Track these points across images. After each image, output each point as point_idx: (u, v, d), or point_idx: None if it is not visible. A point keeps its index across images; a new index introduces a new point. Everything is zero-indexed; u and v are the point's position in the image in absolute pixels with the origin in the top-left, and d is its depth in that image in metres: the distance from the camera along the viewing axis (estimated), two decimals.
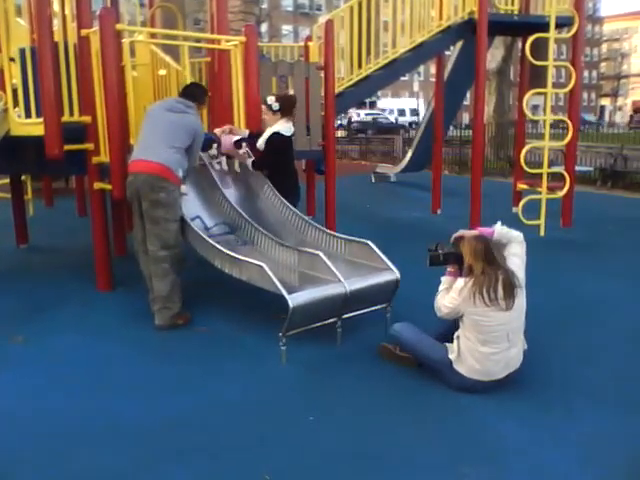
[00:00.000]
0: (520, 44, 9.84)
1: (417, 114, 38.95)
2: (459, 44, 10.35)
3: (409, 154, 13.14)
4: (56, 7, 5.55)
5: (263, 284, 4.11)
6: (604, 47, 76.56)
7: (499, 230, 3.78)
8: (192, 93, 4.84)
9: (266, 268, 4.04)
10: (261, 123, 5.74)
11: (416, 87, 47.41)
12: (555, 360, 4.01)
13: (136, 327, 4.64)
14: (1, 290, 5.58)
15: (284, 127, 5.31)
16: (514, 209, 8.74)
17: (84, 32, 5.02)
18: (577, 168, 9.83)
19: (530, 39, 7.57)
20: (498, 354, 3.45)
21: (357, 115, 36.53)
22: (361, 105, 37.39)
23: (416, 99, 44.68)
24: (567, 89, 8.06)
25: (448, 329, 3.68)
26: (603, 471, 2.80)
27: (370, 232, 5.42)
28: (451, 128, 15.04)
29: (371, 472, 2.81)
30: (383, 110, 42.18)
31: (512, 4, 8.75)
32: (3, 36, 4.98)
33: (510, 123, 15.52)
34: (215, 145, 5.23)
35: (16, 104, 5.08)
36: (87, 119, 5.18)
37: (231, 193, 5.40)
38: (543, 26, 7.73)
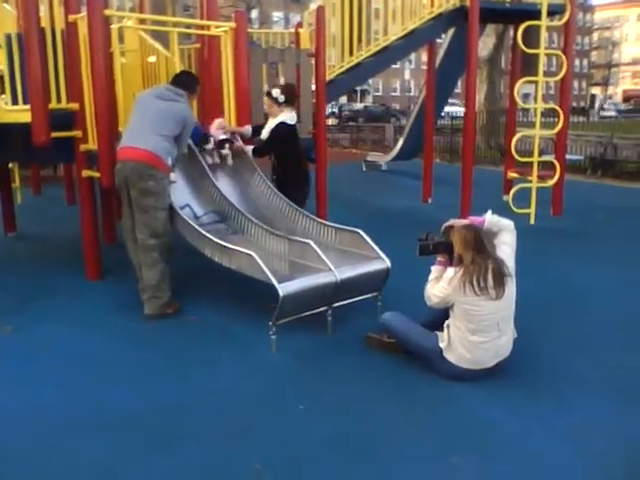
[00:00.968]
0: (512, 32, 9.81)
1: None
2: (451, 32, 10.32)
3: (400, 142, 13.12)
4: None
5: (253, 273, 4.09)
6: (595, 35, 76.62)
7: (490, 219, 3.77)
8: (183, 81, 4.78)
9: (256, 257, 4.02)
10: (255, 115, 5.72)
11: (407, 75, 47.33)
12: (545, 348, 4.03)
13: (125, 316, 4.61)
14: None
15: (289, 116, 5.32)
16: (505, 197, 8.75)
17: (72, 18, 4.95)
18: (567, 157, 9.86)
19: (522, 27, 7.55)
20: (488, 343, 3.45)
21: None
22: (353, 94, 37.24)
23: None
24: (558, 77, 8.06)
25: (438, 317, 3.68)
26: (593, 459, 2.81)
27: (361, 221, 5.41)
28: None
29: (360, 461, 2.81)
30: None
31: None
32: None
33: (501, 111, 15.51)
34: (211, 139, 5.25)
35: (2, 91, 5.01)
36: (75, 106, 5.12)
37: (221, 182, 5.36)
38: (535, 14, 7.72)
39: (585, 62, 74.37)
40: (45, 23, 5.10)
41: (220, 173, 5.45)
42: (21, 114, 4.89)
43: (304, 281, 4.03)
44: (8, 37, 4.92)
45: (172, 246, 4.65)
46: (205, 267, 4.80)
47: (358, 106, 38.96)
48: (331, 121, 28.30)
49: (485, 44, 15.72)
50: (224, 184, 5.36)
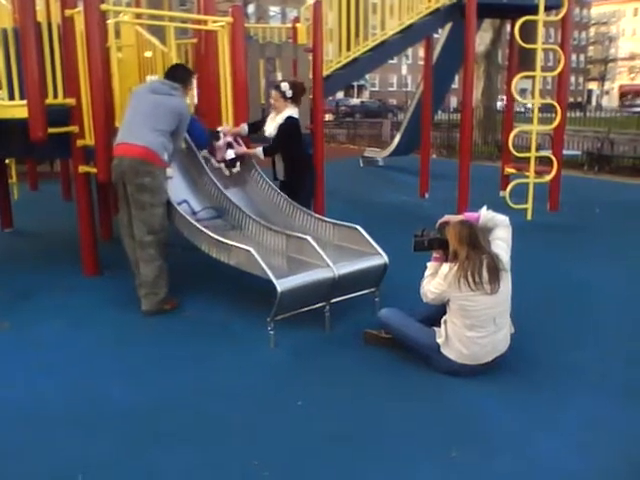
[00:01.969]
0: (509, 27, 9.80)
1: None
2: (448, 27, 10.31)
3: (397, 138, 13.11)
4: None
5: (251, 269, 4.09)
6: (592, 30, 76.53)
7: (485, 214, 3.78)
8: (178, 75, 4.74)
9: (254, 253, 4.02)
10: (252, 110, 5.70)
11: (404, 70, 47.27)
12: (543, 343, 4.03)
13: (122, 312, 4.61)
14: None
15: (294, 112, 5.32)
16: (501, 193, 8.75)
17: (68, 12, 4.93)
18: (564, 152, 9.86)
19: (519, 22, 7.54)
20: (485, 338, 3.46)
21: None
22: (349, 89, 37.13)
23: None
24: (556, 72, 8.05)
25: (435, 313, 3.68)
26: (594, 454, 2.81)
27: (358, 216, 5.42)
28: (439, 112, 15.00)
29: (359, 457, 2.82)
30: None
31: None
32: None
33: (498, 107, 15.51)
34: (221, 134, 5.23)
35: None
36: (71, 101, 5.10)
37: (218, 177, 5.34)
38: (532, 9, 7.70)
39: (582, 57, 74.33)
40: (41, 18, 5.08)
41: (217, 168, 5.43)
42: (18, 109, 4.87)
43: (302, 277, 4.03)
44: (4, 32, 4.90)
45: (167, 242, 4.62)
46: (203, 263, 4.79)
47: (355, 101, 38.93)
48: (328, 117, 28.28)
49: (482, 39, 15.71)
50: (221, 180, 5.35)
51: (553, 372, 3.63)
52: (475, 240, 3.45)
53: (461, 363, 3.50)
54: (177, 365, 3.77)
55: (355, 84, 48.41)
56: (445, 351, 3.53)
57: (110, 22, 5.39)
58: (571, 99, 53.65)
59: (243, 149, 5.37)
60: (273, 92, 5.37)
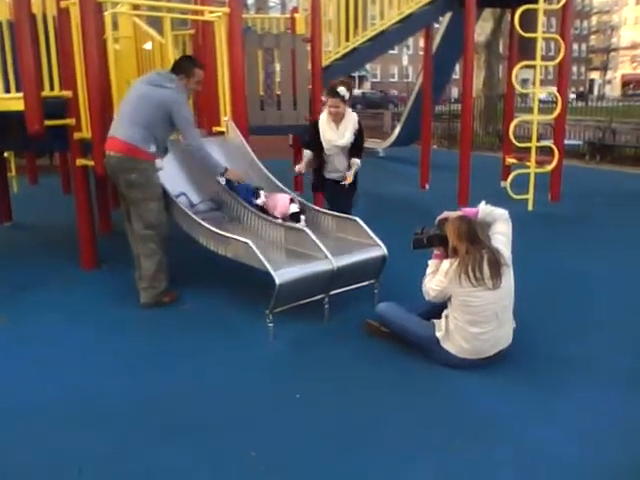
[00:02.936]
0: (509, 16, 9.73)
1: None
2: (448, 16, 10.25)
3: (397, 128, 13.07)
4: None
5: (250, 261, 4.07)
6: (594, 19, 76.13)
7: (483, 209, 3.75)
8: (178, 65, 4.63)
9: (252, 245, 3.99)
10: (250, 102, 5.62)
11: (405, 61, 47.09)
12: (544, 335, 4.00)
13: (120, 305, 4.59)
14: None
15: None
16: (502, 183, 8.72)
17: (63, 4, 4.89)
18: (566, 142, 9.82)
19: (519, 11, 7.48)
20: (487, 334, 3.43)
21: None
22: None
23: None
24: (556, 61, 8.00)
25: (435, 306, 3.66)
26: (594, 445, 2.79)
27: (358, 207, 5.37)
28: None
29: (357, 449, 2.80)
30: None
31: None
32: None
33: (499, 97, 15.44)
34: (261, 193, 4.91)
35: None
36: (68, 94, 5.06)
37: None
38: None
39: (584, 46, 73.99)
40: (37, 10, 5.04)
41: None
42: (14, 102, 4.84)
43: (300, 269, 4.01)
44: None
45: (168, 236, 4.57)
46: (201, 255, 4.77)
47: (356, 92, 38.76)
48: None
49: (483, 29, 15.63)
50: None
51: (553, 363, 3.61)
52: (474, 235, 3.42)
53: (462, 357, 3.48)
54: (175, 359, 3.75)
55: (356, 75, 48.23)
56: (445, 345, 3.51)
57: (107, 13, 5.35)
58: (573, 89, 53.54)
59: (350, 175, 5.10)
60: (331, 100, 5.01)
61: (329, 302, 4.19)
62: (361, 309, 4.29)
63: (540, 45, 7.54)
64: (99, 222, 6.53)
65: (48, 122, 4.87)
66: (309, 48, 7.18)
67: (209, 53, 5.75)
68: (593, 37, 76.07)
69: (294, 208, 4.73)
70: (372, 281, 4.47)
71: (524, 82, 36.99)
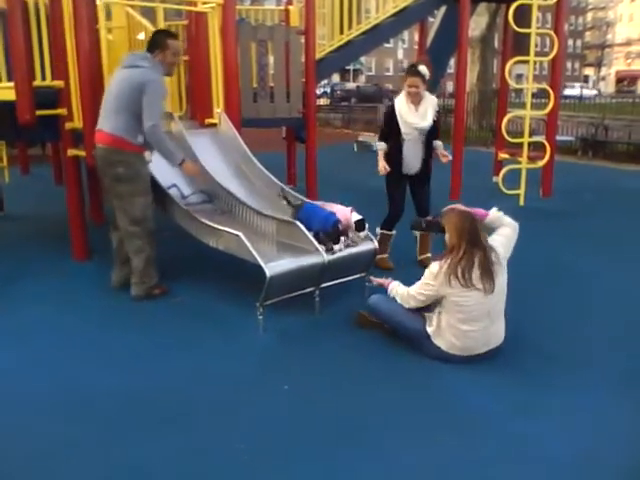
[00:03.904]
0: (504, 11, 9.73)
1: None
2: (442, 10, 10.23)
3: None
4: None
5: (241, 253, 4.07)
6: (589, 16, 76.21)
7: (494, 213, 3.74)
8: (150, 42, 4.39)
9: (243, 237, 4.00)
10: (244, 93, 5.59)
11: (400, 54, 47.03)
12: (533, 330, 4.02)
13: (112, 297, 4.58)
14: None
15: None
16: (494, 178, 8.74)
17: None
18: (558, 138, 9.84)
19: (513, 6, 7.48)
20: (478, 331, 3.43)
21: None
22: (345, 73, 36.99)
23: None
24: (549, 57, 8.01)
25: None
26: (580, 441, 2.82)
27: (352, 201, 5.36)
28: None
29: (344, 442, 2.81)
30: None
31: None
32: None
33: (493, 92, 15.44)
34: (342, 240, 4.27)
35: None
36: (60, 83, 5.04)
37: (209, 161, 5.30)
38: None
39: (579, 42, 74.08)
40: None
41: (208, 152, 5.39)
42: (5, 92, 4.82)
43: (291, 262, 4.01)
44: None
45: (154, 230, 4.47)
46: (192, 248, 4.77)
47: (350, 86, 38.72)
48: (323, 101, 28.16)
49: (478, 24, 15.61)
50: (212, 163, 5.31)
51: (540, 359, 3.63)
52: (475, 236, 3.38)
53: (452, 353, 3.49)
54: (165, 351, 3.75)
55: (351, 68, 48.17)
56: (436, 341, 3.51)
57: (100, 3, 5.31)
58: (581, 84, 53.43)
59: (446, 153, 5.01)
60: (411, 79, 4.73)
61: (320, 295, 4.21)
62: (352, 302, 4.30)
63: (534, 40, 7.54)
64: (91, 213, 6.52)
65: (39, 112, 4.85)
66: (303, 40, 7.17)
67: (202, 44, 5.72)
68: (588, 33, 76.17)
69: (356, 216, 4.39)
70: (363, 274, 4.48)
71: (519, 77, 37.03)
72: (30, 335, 3.98)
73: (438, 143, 5.02)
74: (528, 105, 7.80)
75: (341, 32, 8.19)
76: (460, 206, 3.70)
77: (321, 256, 4.07)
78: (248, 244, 3.94)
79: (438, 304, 3.53)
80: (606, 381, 3.37)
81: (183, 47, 6.48)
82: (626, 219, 7.20)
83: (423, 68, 4.72)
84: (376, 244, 4.40)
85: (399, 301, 3.66)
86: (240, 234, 4.03)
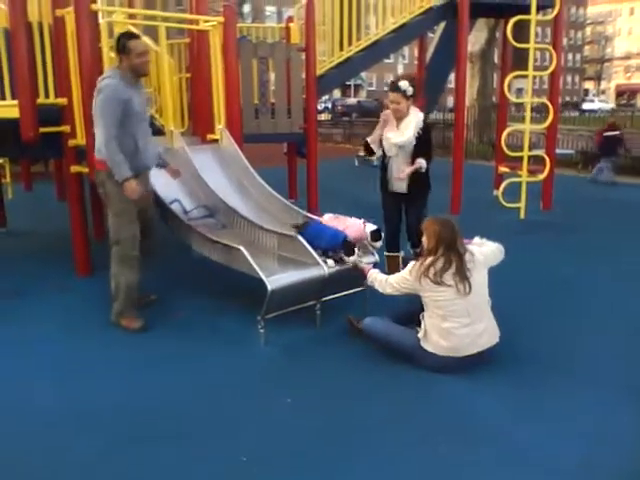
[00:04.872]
0: (503, 26, 9.82)
1: None
2: (441, 26, 10.33)
3: None
4: None
5: (242, 267, 4.10)
6: (588, 30, 76.68)
7: (477, 240, 3.87)
8: (115, 50, 4.19)
9: (244, 251, 4.02)
10: (245, 110, 5.64)
11: (400, 69, 47.28)
12: (532, 339, 4.04)
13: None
14: None
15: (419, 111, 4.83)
16: (495, 192, 8.77)
17: (59, 12, 4.93)
18: (558, 151, 9.88)
19: (511, 21, 7.55)
20: (460, 329, 3.48)
21: None
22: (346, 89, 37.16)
23: None
24: (548, 72, 8.07)
25: (417, 309, 3.69)
26: (579, 446, 2.82)
27: (353, 215, 5.40)
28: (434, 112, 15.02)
29: (347, 454, 2.82)
30: None
31: None
32: None
33: (493, 106, 15.53)
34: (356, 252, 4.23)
35: None
36: (63, 101, 5.10)
37: (211, 176, 5.35)
38: (525, 8, 7.73)
39: (578, 57, 74.46)
40: (33, 18, 5.08)
41: (210, 168, 5.44)
42: (9, 109, 4.87)
43: (292, 275, 4.04)
44: None
45: (129, 254, 4.20)
46: (194, 262, 4.79)
47: (351, 101, 38.92)
48: (324, 116, 28.31)
49: (477, 39, 15.74)
50: (214, 178, 5.35)
51: (540, 367, 3.65)
52: (452, 241, 3.51)
53: (443, 355, 3.52)
54: (167, 365, 3.76)
55: (352, 83, 48.43)
56: (425, 345, 3.57)
57: (102, 22, 5.39)
58: (567, 98, 53.76)
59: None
60: (391, 94, 4.68)
61: (321, 308, 4.23)
62: (353, 315, 4.31)
63: (533, 55, 7.61)
64: (93, 228, 6.55)
65: (43, 129, 4.91)
66: (304, 57, 7.25)
67: (204, 62, 5.79)
68: (587, 47, 76.60)
69: (371, 227, 4.33)
70: (364, 287, 4.49)
71: (519, 91, 37.21)
72: (33, 350, 4.00)
73: (419, 160, 4.75)
74: (527, 119, 7.84)
75: (341, 48, 8.26)
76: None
77: (322, 269, 4.09)
78: (250, 258, 3.97)
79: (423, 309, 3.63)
80: (606, 387, 3.39)
81: (185, 64, 6.59)
82: (626, 232, 7.22)
83: (404, 83, 4.66)
84: (377, 257, 4.42)
85: (376, 287, 3.85)
86: (242, 248, 4.06)
